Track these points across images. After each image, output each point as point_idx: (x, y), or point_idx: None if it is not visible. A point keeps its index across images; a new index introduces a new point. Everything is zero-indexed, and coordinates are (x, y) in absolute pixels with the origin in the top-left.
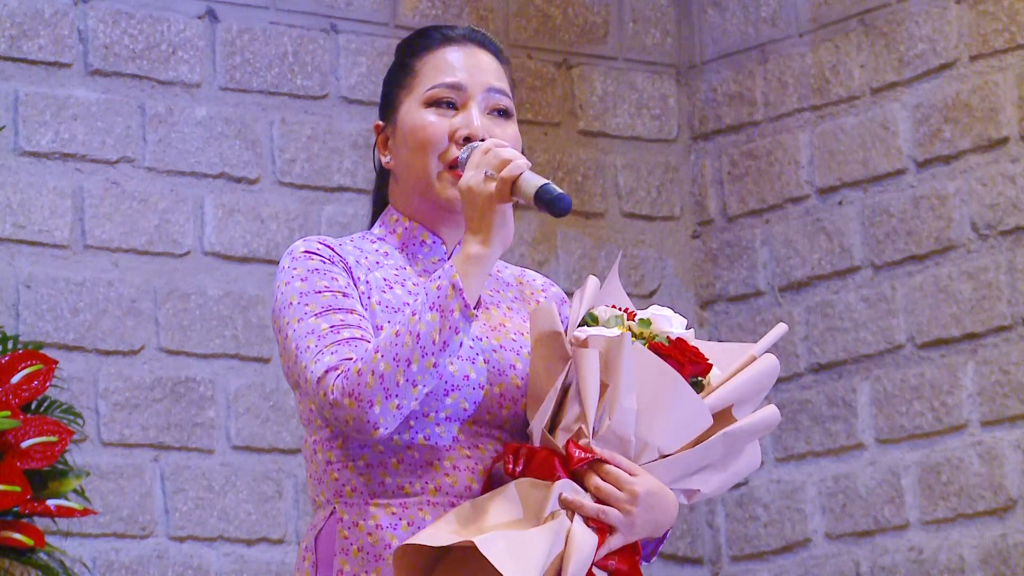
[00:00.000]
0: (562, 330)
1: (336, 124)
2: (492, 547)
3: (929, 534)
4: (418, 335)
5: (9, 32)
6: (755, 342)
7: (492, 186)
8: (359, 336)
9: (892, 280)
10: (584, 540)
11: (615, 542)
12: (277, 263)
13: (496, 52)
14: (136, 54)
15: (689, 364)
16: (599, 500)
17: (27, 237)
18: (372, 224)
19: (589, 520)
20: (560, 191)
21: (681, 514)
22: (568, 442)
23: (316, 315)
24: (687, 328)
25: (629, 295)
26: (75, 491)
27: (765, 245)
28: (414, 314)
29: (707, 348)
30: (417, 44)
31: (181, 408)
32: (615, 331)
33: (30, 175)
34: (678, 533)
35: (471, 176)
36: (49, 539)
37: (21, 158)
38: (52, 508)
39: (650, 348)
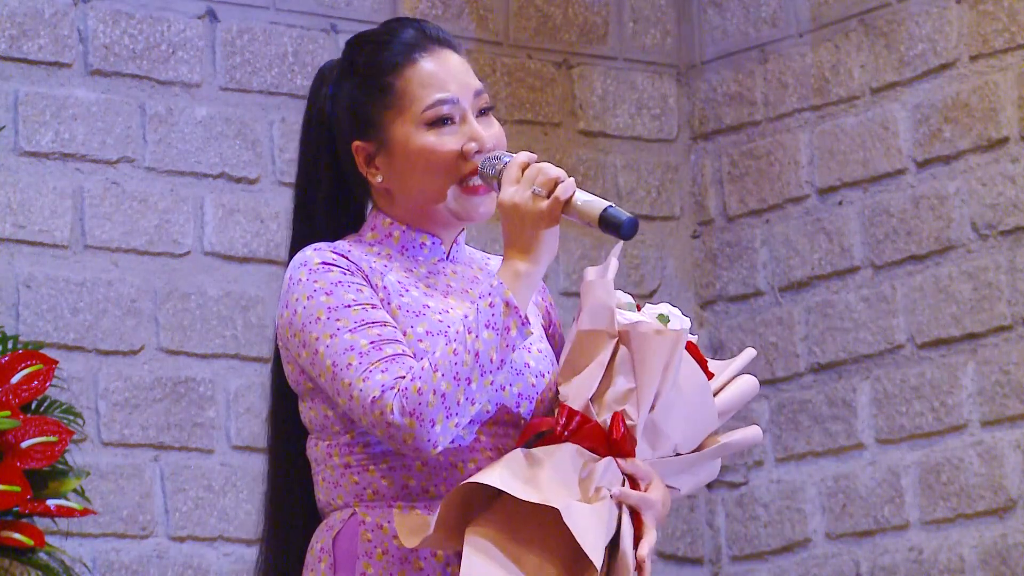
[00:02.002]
0: (615, 307)
1: None
2: (573, 517)
3: (929, 534)
4: (477, 353)
5: (9, 32)
6: (755, 344)
7: (542, 205)
8: (402, 352)
9: (892, 280)
10: (628, 530)
11: (651, 542)
12: (277, 263)
13: (455, 46)
14: (136, 54)
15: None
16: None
17: (27, 237)
18: (302, 225)
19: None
20: (627, 214)
21: (681, 514)
22: (617, 417)
23: (351, 331)
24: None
25: (630, 295)
26: (75, 491)
27: (765, 245)
28: (470, 332)
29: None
30: (380, 60)
31: (181, 408)
32: (676, 323)
33: (30, 175)
34: (678, 533)
35: (515, 192)
36: (49, 539)
37: (21, 158)
38: (52, 508)
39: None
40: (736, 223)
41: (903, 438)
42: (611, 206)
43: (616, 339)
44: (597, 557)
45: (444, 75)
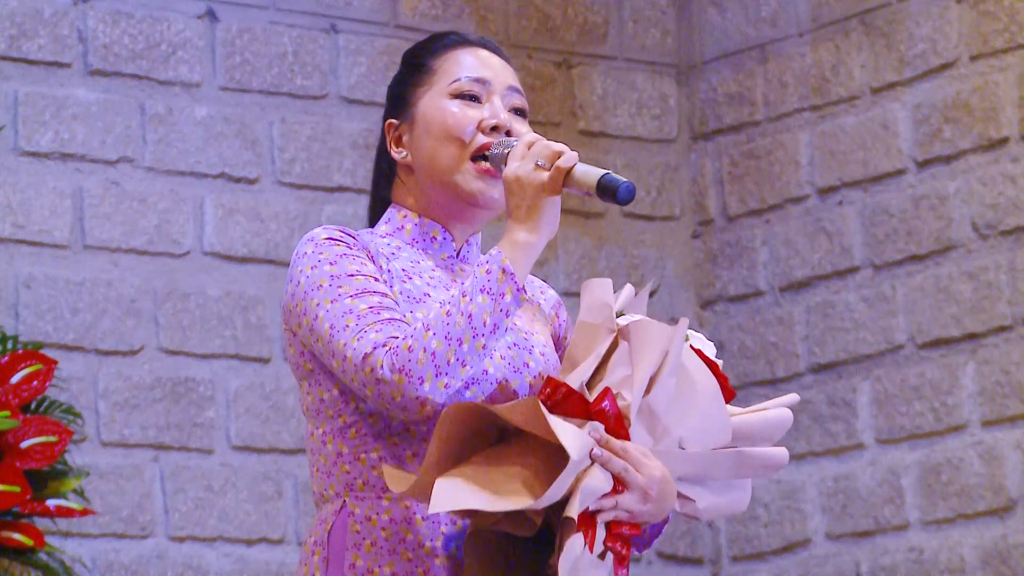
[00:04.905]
0: (613, 304)
1: (336, 124)
2: (552, 417)
3: (929, 534)
4: (470, 315)
5: (9, 32)
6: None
7: (543, 176)
8: (399, 317)
9: (892, 280)
10: (599, 476)
11: (625, 502)
12: (277, 263)
13: (507, 60)
14: (136, 54)
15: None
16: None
17: (27, 237)
18: (371, 224)
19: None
20: (624, 180)
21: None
22: (606, 391)
23: (352, 296)
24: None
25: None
26: (75, 491)
27: (765, 245)
28: (464, 295)
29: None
30: (432, 45)
31: (181, 408)
32: (696, 342)
33: (30, 175)
34: (678, 533)
35: (518, 166)
36: (49, 539)
37: (21, 158)
38: (52, 508)
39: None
40: (736, 223)
41: (903, 438)
42: (608, 173)
43: (614, 333)
44: (575, 449)
45: (480, 63)
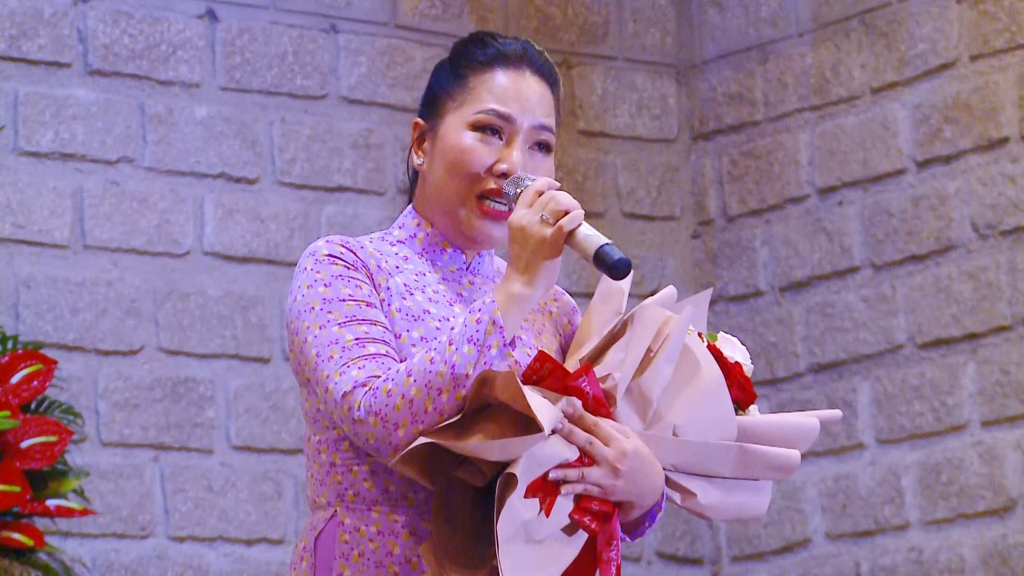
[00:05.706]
0: (625, 291)
1: (336, 124)
2: (529, 392)
3: (929, 534)
4: (453, 366)
5: (9, 32)
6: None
7: (546, 232)
8: (384, 352)
9: (892, 280)
10: (557, 444)
11: (593, 476)
12: (277, 263)
13: (550, 79)
14: (136, 54)
15: (736, 387)
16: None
17: (27, 237)
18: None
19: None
20: (620, 254)
21: (681, 514)
22: (587, 366)
23: (340, 324)
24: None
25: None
26: (75, 491)
27: (765, 245)
28: (451, 344)
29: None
30: (473, 53)
31: (181, 408)
32: (727, 347)
33: (30, 175)
34: (678, 533)
35: (524, 215)
36: (49, 539)
37: (21, 158)
38: (52, 508)
39: (708, 348)
40: (736, 223)
41: (903, 438)
42: (607, 244)
43: (619, 315)
44: (547, 421)
45: (513, 93)
